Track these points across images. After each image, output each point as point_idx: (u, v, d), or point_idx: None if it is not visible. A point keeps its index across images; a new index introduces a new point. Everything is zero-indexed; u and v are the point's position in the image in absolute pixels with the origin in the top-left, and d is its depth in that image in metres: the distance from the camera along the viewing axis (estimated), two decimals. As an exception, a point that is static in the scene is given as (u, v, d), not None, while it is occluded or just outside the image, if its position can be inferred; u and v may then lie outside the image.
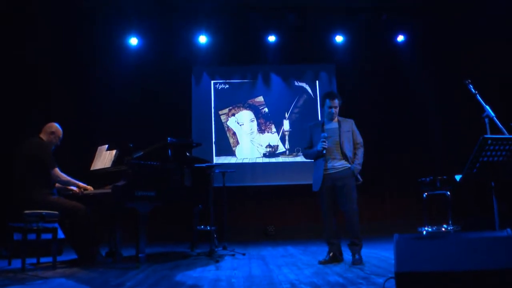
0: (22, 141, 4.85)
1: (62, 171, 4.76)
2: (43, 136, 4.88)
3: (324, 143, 4.48)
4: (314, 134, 4.74)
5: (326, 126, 4.67)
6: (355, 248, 4.53)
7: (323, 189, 4.56)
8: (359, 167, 4.60)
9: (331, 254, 4.58)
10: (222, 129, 8.69)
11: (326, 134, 4.53)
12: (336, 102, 4.67)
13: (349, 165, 4.56)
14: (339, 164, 4.57)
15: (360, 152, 4.65)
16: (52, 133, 4.92)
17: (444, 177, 6.01)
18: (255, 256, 5.46)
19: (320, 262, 4.50)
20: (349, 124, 4.70)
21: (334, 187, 4.55)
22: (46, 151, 4.72)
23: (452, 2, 8.09)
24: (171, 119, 8.33)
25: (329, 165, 4.56)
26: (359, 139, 4.70)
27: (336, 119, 4.71)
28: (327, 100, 4.68)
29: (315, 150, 4.59)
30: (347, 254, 4.71)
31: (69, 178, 4.80)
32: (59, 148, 5.02)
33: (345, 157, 4.57)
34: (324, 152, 4.49)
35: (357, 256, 4.47)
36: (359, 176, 4.60)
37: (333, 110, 4.64)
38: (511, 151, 3.05)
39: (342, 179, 4.53)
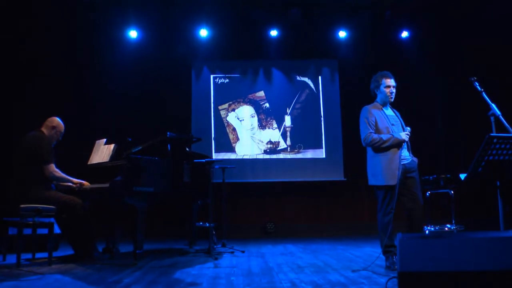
0: (22, 135, 4.80)
1: (58, 166, 4.70)
2: (44, 130, 4.81)
3: (407, 136, 4.06)
4: (378, 119, 4.18)
5: (387, 113, 4.26)
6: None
7: (398, 183, 3.97)
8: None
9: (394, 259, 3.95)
10: (222, 125, 8.60)
11: (410, 129, 4.12)
12: (394, 81, 4.25)
13: (412, 158, 4.19)
14: (407, 154, 4.14)
15: None
16: (54, 128, 4.85)
17: (448, 175, 5.95)
18: (255, 253, 5.40)
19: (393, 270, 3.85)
20: (400, 115, 4.39)
21: (404, 179, 4.06)
22: (43, 145, 4.64)
23: (457, -1, 8.02)
24: (171, 114, 8.25)
25: (402, 155, 4.08)
26: None
27: (389, 106, 4.35)
28: (383, 80, 4.24)
29: (398, 138, 4.03)
30: (349, 254, 4.65)
31: (63, 175, 4.72)
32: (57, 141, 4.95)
33: (408, 147, 4.20)
34: (405, 145, 4.09)
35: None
36: None
37: (393, 89, 4.23)
38: (517, 150, 2.99)
39: (412, 172, 4.12)
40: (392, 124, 4.18)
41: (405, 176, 4.06)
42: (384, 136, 4.05)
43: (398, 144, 4.04)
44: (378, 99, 4.30)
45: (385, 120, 4.17)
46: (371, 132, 4.12)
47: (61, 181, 4.76)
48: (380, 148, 4.08)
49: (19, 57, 7.49)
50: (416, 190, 4.09)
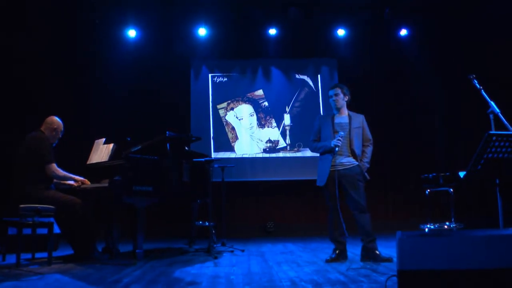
0: (22, 135, 4.79)
1: (59, 165, 4.69)
2: (44, 130, 4.81)
3: (339, 141, 4.32)
4: (323, 127, 4.59)
5: (336, 120, 4.53)
6: (373, 245, 4.36)
7: (328, 185, 4.40)
8: (367, 165, 4.49)
9: (337, 252, 4.45)
10: (221, 124, 8.58)
11: (343, 134, 4.38)
12: (337, 90, 4.58)
13: (357, 163, 4.43)
14: (346, 160, 4.42)
15: (369, 150, 4.54)
16: (55, 129, 4.84)
17: (447, 173, 5.95)
18: (254, 252, 5.40)
19: (327, 261, 4.36)
20: (360, 120, 4.57)
21: (340, 184, 4.38)
22: (44, 145, 4.64)
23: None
24: (170, 113, 8.24)
25: (337, 161, 4.40)
26: (369, 136, 4.58)
27: (346, 113, 4.58)
28: (329, 92, 4.66)
29: (327, 145, 4.43)
30: (350, 253, 4.66)
31: (65, 173, 4.73)
32: (55, 141, 4.94)
33: (353, 154, 4.44)
34: (337, 149, 4.33)
35: (377, 252, 4.34)
36: (366, 174, 4.47)
37: (332, 98, 4.58)
38: (517, 148, 2.98)
39: (349, 177, 4.39)
40: (336, 132, 4.44)
41: (340, 182, 4.39)
42: (319, 144, 4.57)
43: (330, 150, 4.42)
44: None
45: (329, 128, 4.52)
46: (312, 140, 4.69)
47: (63, 179, 4.77)
48: (319, 153, 4.59)
49: (19, 57, 7.47)
50: (350, 197, 4.43)
